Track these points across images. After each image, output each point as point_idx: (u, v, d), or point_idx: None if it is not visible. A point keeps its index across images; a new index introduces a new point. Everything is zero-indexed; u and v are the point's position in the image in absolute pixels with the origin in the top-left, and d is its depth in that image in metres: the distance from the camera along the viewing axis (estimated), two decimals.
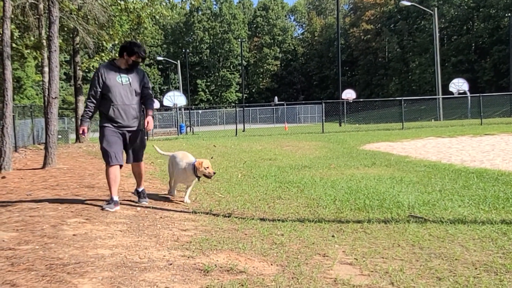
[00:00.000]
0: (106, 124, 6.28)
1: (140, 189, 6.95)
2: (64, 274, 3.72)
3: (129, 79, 6.29)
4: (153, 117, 6.45)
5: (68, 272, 3.78)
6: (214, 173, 6.84)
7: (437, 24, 49.62)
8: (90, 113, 6.34)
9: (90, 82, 6.54)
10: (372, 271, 3.89)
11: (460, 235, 4.86)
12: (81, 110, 19.75)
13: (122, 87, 6.23)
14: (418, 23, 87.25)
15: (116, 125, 6.27)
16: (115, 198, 6.32)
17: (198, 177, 6.84)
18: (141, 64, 6.57)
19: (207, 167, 6.67)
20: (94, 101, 6.25)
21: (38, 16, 13.19)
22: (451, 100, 48.68)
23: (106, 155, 6.26)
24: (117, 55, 6.93)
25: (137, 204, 6.75)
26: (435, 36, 48.49)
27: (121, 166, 6.39)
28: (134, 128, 6.41)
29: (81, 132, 6.54)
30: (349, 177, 9.12)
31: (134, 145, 6.54)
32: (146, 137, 6.94)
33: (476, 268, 3.90)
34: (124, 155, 6.61)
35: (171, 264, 4.05)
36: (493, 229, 5.01)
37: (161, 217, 5.99)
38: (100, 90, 6.19)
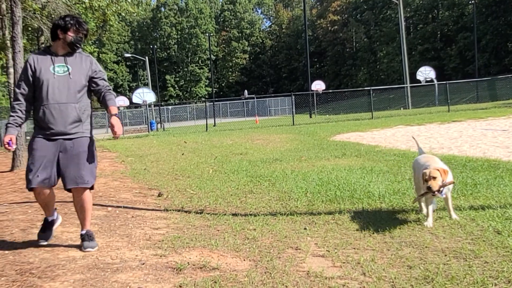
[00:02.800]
0: (35, 135, 4.55)
1: (83, 232, 4.70)
2: (35, 279, 3.68)
3: (67, 68, 4.57)
4: (119, 118, 4.69)
5: (39, 276, 3.74)
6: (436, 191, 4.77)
7: (402, 13, 50.07)
8: (19, 119, 4.52)
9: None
10: (344, 263, 3.93)
11: None
12: None
13: (56, 79, 4.51)
14: (384, 13, 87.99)
15: (47, 132, 4.50)
16: (49, 218, 4.86)
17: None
18: (84, 43, 4.94)
19: (435, 177, 4.80)
20: (24, 102, 4.54)
21: (1, 16, 12.93)
22: (418, 88, 49.25)
23: (26, 175, 4.50)
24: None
25: (108, 204, 6.69)
26: (401, 25, 48.93)
27: (52, 186, 4.59)
28: (74, 136, 4.56)
29: (6, 141, 4.41)
30: (320, 169, 9.17)
31: (73, 162, 4.53)
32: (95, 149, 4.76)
33: (445, 255, 3.96)
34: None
35: (143, 264, 4.04)
36: (462, 216, 5.08)
37: (132, 217, 5.95)
38: (29, 88, 4.52)
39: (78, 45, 4.65)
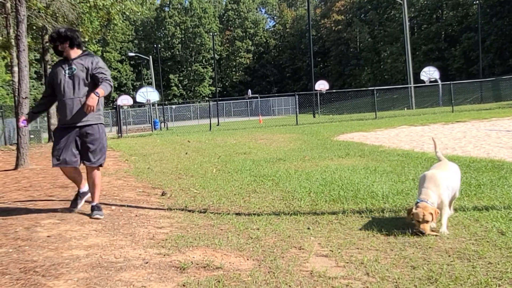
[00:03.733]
0: (58, 125, 5.90)
1: (93, 203, 5.88)
2: (39, 277, 3.68)
3: (74, 69, 5.68)
4: (98, 97, 5.50)
5: (43, 274, 3.74)
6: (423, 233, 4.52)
7: (406, 13, 50.02)
8: (36, 108, 6.26)
9: None
10: (347, 263, 3.92)
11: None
12: (52, 109, 19.57)
13: (67, 79, 5.66)
14: (388, 13, 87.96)
15: (63, 122, 5.72)
16: (81, 190, 6.04)
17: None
18: (54, 46, 5.84)
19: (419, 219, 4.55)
20: (43, 98, 6.06)
21: (5, 15, 12.99)
22: (422, 88, 49.16)
23: (51, 157, 5.74)
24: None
25: (111, 203, 6.70)
26: (405, 25, 48.86)
27: (73, 166, 5.77)
28: (85, 123, 5.67)
29: (20, 120, 6.14)
30: (323, 169, 9.16)
31: (85, 145, 5.69)
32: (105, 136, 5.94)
33: (449, 256, 3.95)
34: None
35: (147, 263, 4.03)
36: (466, 216, 5.08)
37: (136, 215, 5.95)
38: (48, 89, 5.95)
39: (56, 53, 5.92)
